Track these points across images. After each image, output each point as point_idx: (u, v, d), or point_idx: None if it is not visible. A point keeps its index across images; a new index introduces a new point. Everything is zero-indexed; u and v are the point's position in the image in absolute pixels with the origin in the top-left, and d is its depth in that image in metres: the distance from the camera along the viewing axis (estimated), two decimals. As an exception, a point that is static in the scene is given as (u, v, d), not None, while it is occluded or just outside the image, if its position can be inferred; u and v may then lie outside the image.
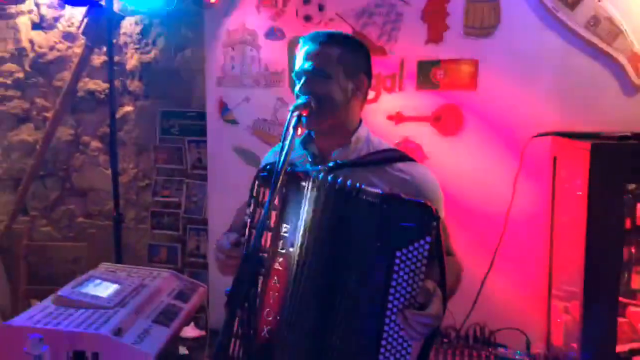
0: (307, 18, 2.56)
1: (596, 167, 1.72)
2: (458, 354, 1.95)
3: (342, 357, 1.18)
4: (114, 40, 2.89)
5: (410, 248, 1.13)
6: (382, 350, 1.15)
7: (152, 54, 3.03)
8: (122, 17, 3.02)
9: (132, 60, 3.06)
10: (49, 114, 3.17)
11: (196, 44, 2.89)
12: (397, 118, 2.47)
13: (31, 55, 3.18)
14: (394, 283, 1.14)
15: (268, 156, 1.53)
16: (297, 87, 1.35)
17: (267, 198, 1.12)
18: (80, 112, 3.18)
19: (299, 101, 1.29)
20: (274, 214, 1.20)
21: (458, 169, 2.35)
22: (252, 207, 1.22)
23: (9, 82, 3.22)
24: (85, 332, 1.46)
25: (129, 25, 3.04)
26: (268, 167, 1.22)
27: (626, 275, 1.97)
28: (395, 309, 1.14)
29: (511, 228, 2.21)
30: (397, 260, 1.13)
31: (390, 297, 1.14)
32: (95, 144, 3.19)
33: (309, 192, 1.21)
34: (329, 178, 1.21)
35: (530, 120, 2.26)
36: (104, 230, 3.07)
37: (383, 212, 1.16)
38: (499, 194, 2.27)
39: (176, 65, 3.00)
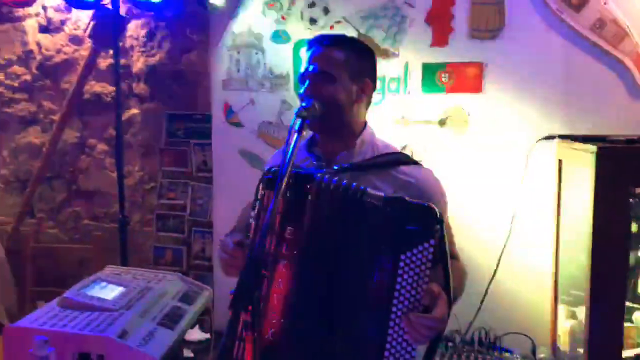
0: (312, 21, 2.57)
1: (602, 171, 1.71)
2: (463, 359, 1.94)
3: (346, 359, 1.18)
4: (120, 43, 2.91)
5: (414, 251, 1.12)
6: (386, 353, 1.14)
7: (157, 57, 3.04)
8: (128, 20, 3.04)
9: (138, 63, 3.08)
10: (55, 117, 3.19)
11: (201, 47, 2.90)
12: (402, 121, 2.47)
13: (38, 58, 3.21)
14: (398, 286, 1.13)
15: (273, 159, 1.53)
16: (302, 90, 1.35)
17: (271, 201, 1.12)
18: (87, 114, 3.19)
19: (304, 104, 1.29)
20: (278, 216, 1.20)
21: (463, 172, 2.35)
22: (256, 210, 1.22)
23: (16, 84, 3.24)
24: (91, 334, 1.46)
25: (134, 28, 3.06)
26: (273, 170, 1.23)
27: (632, 279, 1.95)
28: (399, 312, 1.13)
29: (516, 232, 2.20)
30: (401, 264, 1.13)
31: (395, 301, 1.14)
32: (101, 146, 3.21)
33: (313, 195, 1.21)
34: (333, 181, 1.21)
35: (535, 123, 2.25)
36: (109, 233, 3.07)
37: (387, 215, 1.16)
38: (504, 197, 2.26)
39: (182, 68, 3.01)
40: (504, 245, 2.18)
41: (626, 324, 1.83)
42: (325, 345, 1.19)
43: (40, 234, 3.27)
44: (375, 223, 1.17)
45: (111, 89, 3.09)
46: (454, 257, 1.37)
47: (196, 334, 2.43)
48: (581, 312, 1.94)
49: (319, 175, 1.23)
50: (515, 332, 2.04)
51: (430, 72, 2.40)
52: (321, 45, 1.36)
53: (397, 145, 1.54)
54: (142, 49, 3.07)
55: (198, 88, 2.98)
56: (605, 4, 2.15)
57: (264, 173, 1.26)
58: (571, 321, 2.06)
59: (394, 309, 1.14)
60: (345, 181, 1.21)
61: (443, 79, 2.39)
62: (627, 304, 1.85)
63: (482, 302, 2.15)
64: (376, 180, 1.30)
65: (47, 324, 1.50)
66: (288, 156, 1.14)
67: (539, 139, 2.17)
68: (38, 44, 3.20)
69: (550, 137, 2.16)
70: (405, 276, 1.13)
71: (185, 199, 3.03)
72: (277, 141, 2.65)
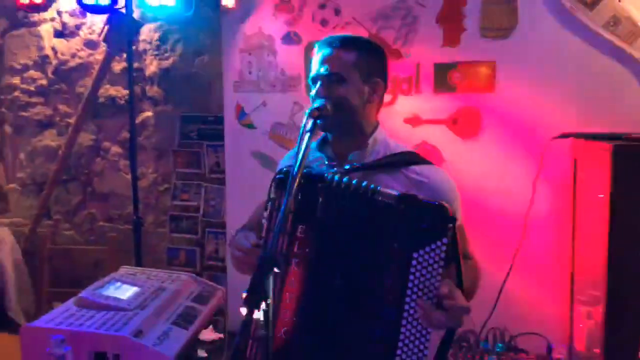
0: (324, 22, 2.58)
1: (618, 169, 1.69)
2: (477, 359, 1.93)
3: (358, 357, 1.18)
4: (134, 47, 2.94)
5: (427, 249, 1.12)
6: (398, 352, 1.14)
7: (170, 60, 3.07)
8: (142, 24, 3.07)
9: (151, 66, 3.11)
10: (71, 120, 3.23)
11: (214, 49, 2.93)
12: (414, 121, 2.46)
13: (54, 62, 3.26)
14: (410, 284, 1.13)
15: (285, 160, 1.54)
16: (313, 92, 1.36)
17: (283, 200, 1.13)
18: (101, 117, 3.24)
19: (315, 105, 1.29)
20: (290, 216, 1.20)
21: (476, 171, 2.33)
22: (269, 210, 1.23)
23: (32, 88, 3.30)
24: (107, 333, 1.48)
25: (148, 32, 3.09)
26: (284, 170, 1.23)
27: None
28: (412, 311, 1.13)
29: (531, 231, 2.18)
30: (414, 262, 1.13)
31: (407, 299, 1.14)
32: (115, 149, 3.25)
33: (324, 195, 1.22)
34: (345, 180, 1.21)
35: (550, 122, 2.23)
36: (124, 234, 3.11)
37: (399, 214, 1.16)
38: (518, 196, 2.24)
39: (194, 70, 3.03)
40: (519, 245, 2.16)
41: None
42: (337, 344, 1.19)
43: (57, 236, 3.32)
44: (387, 221, 1.17)
45: (125, 92, 3.12)
46: (468, 256, 1.36)
47: (210, 334, 2.43)
48: (598, 312, 1.92)
49: (330, 174, 1.24)
50: (530, 333, 2.02)
51: (442, 71, 2.40)
52: (331, 46, 1.36)
53: (409, 146, 1.53)
54: (156, 53, 3.10)
55: (210, 90, 3.00)
56: (619, 1, 2.13)
57: (275, 173, 1.26)
58: (588, 322, 2.03)
59: (406, 307, 1.14)
60: (356, 180, 1.21)
61: (455, 79, 2.38)
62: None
63: (496, 302, 2.13)
64: (388, 180, 1.30)
65: (64, 323, 1.52)
66: (300, 156, 1.14)
67: (554, 138, 2.15)
68: (53, 49, 3.25)
69: (565, 136, 2.14)
70: (418, 274, 1.13)
71: (199, 200, 3.05)
72: (289, 142, 2.66)
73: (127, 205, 3.16)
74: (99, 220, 3.31)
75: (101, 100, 3.20)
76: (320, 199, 1.22)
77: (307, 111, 1.26)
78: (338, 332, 1.19)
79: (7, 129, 3.38)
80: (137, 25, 3.02)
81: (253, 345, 1.17)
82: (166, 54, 3.08)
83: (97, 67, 3.14)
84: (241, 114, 2.78)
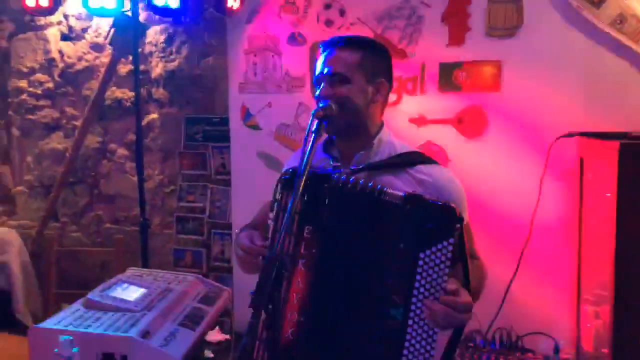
0: (328, 23, 2.58)
1: (625, 168, 1.68)
2: (484, 359, 1.93)
3: (365, 358, 1.18)
4: (140, 50, 2.95)
5: (434, 249, 1.12)
6: (405, 352, 1.14)
7: (176, 62, 3.08)
8: (148, 27, 3.09)
9: (157, 68, 3.12)
10: (78, 123, 3.25)
11: (219, 51, 2.94)
12: (420, 121, 2.46)
13: (60, 65, 3.28)
14: (417, 284, 1.13)
15: (290, 160, 1.54)
16: (317, 93, 1.36)
17: (289, 201, 1.13)
18: (108, 120, 3.25)
19: (320, 105, 1.30)
20: (296, 216, 1.20)
21: (482, 171, 2.32)
22: (275, 211, 1.23)
23: (39, 91, 3.32)
24: (114, 334, 1.48)
25: (153, 35, 3.10)
26: (290, 170, 1.23)
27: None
28: (418, 311, 1.13)
29: (537, 231, 2.17)
30: (421, 262, 1.13)
31: (414, 299, 1.14)
32: (121, 151, 3.26)
33: (330, 195, 1.22)
34: (351, 180, 1.21)
35: (556, 121, 2.22)
36: (130, 236, 3.12)
37: (406, 214, 1.16)
38: (525, 196, 2.23)
39: (200, 72, 3.04)
40: (525, 244, 2.15)
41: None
42: (344, 343, 1.19)
43: (64, 238, 3.34)
44: (394, 221, 1.17)
45: (131, 94, 3.14)
46: (474, 256, 1.36)
47: (217, 335, 2.44)
48: (605, 311, 1.90)
49: (336, 175, 1.24)
50: (537, 332, 2.01)
51: (447, 71, 2.39)
52: (335, 47, 1.36)
53: (414, 146, 1.53)
54: (161, 55, 3.11)
55: (216, 92, 3.01)
56: (625, -1, 2.12)
57: (281, 174, 1.27)
58: (596, 321, 2.02)
59: (412, 307, 1.14)
60: (362, 180, 1.21)
61: (460, 78, 2.38)
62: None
63: (503, 301, 2.13)
64: (394, 180, 1.30)
65: (72, 324, 1.53)
66: (305, 157, 1.15)
67: (560, 137, 2.14)
68: (60, 52, 3.27)
69: (571, 135, 2.13)
70: (425, 274, 1.13)
71: (205, 201, 3.06)
72: (295, 143, 2.66)
73: (133, 207, 3.17)
74: (105, 222, 3.33)
75: (107, 102, 3.21)
76: (327, 200, 1.22)
77: (313, 112, 1.26)
78: (345, 333, 1.20)
79: (15, 131, 3.40)
80: (142, 28, 3.03)
81: (260, 346, 1.17)
82: (172, 56, 3.10)
83: (103, 69, 3.16)
84: (246, 115, 2.79)
